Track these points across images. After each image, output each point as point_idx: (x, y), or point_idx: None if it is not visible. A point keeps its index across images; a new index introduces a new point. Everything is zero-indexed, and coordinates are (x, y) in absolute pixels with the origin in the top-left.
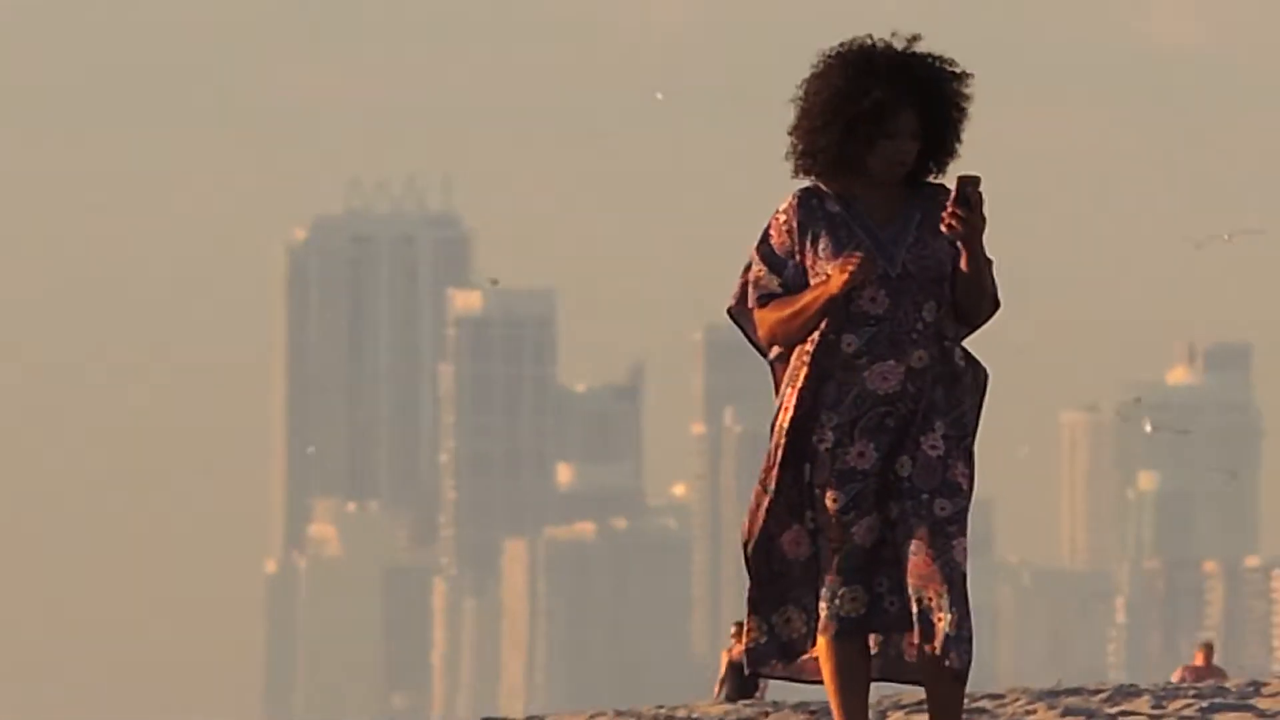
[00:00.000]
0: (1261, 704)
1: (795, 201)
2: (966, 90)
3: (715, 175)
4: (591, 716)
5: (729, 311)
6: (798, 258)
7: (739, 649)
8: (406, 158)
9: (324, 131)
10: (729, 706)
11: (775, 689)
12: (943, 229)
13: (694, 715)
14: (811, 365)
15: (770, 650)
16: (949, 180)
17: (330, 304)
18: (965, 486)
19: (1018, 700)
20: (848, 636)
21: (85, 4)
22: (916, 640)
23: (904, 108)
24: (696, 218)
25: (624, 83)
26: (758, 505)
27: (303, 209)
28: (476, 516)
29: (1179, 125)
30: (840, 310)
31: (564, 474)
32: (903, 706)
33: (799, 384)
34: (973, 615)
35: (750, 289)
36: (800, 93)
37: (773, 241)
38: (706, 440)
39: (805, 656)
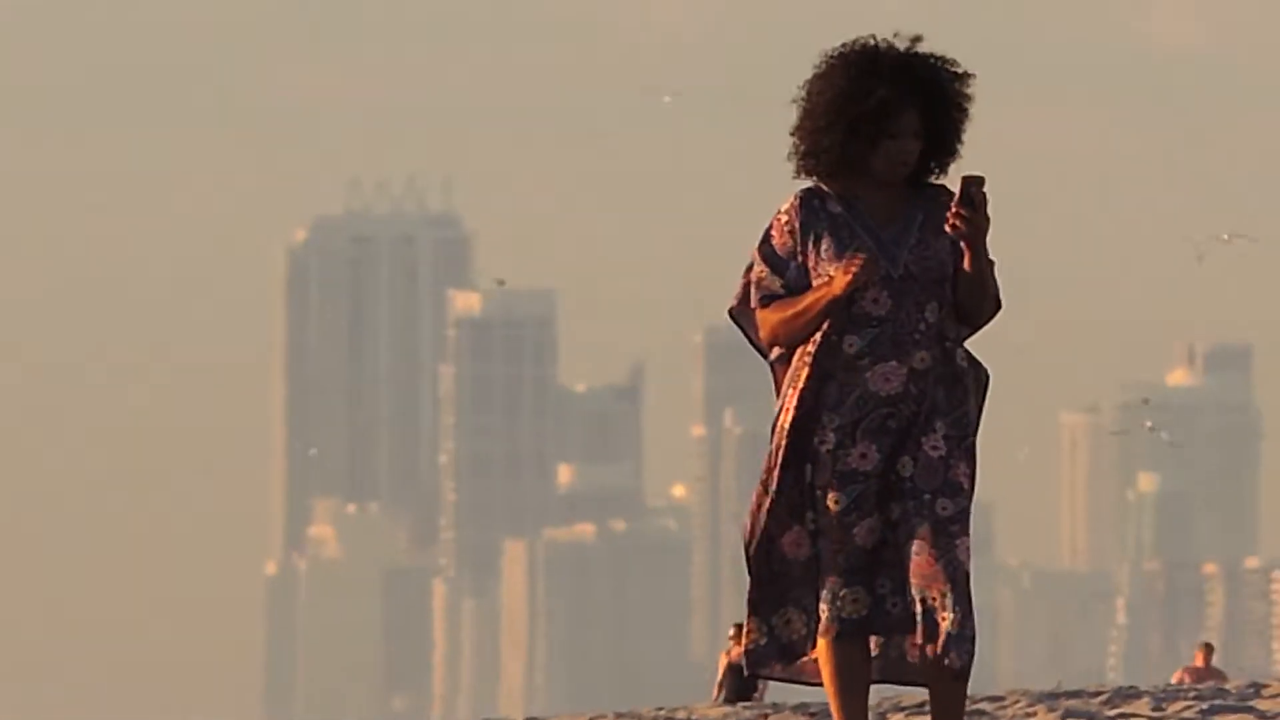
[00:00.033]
0: (1262, 705)
1: (797, 202)
2: (968, 91)
3: (715, 176)
4: (591, 718)
5: (730, 312)
6: (800, 258)
7: (738, 651)
8: (406, 158)
9: (324, 131)
10: (728, 709)
11: (774, 691)
12: (947, 229)
13: (693, 717)
14: (813, 366)
15: (770, 652)
16: (950, 181)
17: (330, 305)
18: (967, 486)
19: (1018, 702)
20: (848, 638)
21: (85, 4)
22: (919, 640)
23: (907, 108)
24: (696, 218)
25: (624, 83)
26: (758, 506)
27: (303, 209)
28: (476, 518)
29: (1179, 126)
30: (842, 311)
31: (564, 475)
32: (903, 709)
33: (800, 385)
34: (975, 615)
35: (752, 289)
36: (802, 93)
37: (774, 242)
38: (706, 442)
39: (805, 658)
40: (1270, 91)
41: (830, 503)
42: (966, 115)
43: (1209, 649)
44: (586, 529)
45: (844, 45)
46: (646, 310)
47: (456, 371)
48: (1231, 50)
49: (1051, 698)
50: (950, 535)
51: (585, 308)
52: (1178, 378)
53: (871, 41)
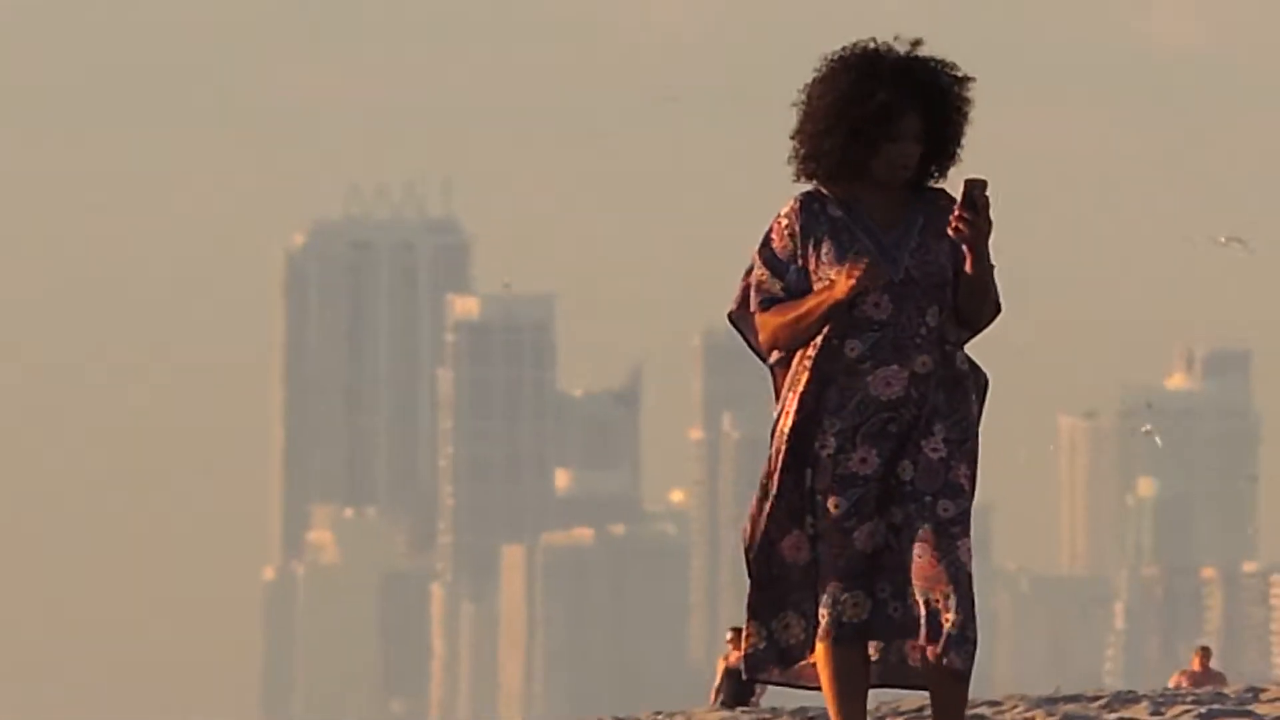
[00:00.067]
0: (1260, 709)
1: (797, 205)
2: (968, 94)
3: (714, 178)
4: None
5: (730, 316)
6: (800, 262)
7: (735, 655)
8: (406, 159)
9: (324, 132)
10: (726, 713)
11: (772, 695)
12: (949, 233)
13: None
14: (813, 370)
15: (768, 656)
16: (950, 184)
17: (329, 309)
18: (967, 488)
19: (1016, 707)
20: (848, 642)
21: (85, 4)
22: (921, 641)
23: (908, 111)
24: (696, 222)
25: (624, 83)
26: (758, 510)
27: (302, 212)
28: (475, 522)
29: (1179, 127)
30: (844, 315)
31: (562, 479)
32: (901, 714)
33: (800, 389)
34: (978, 618)
35: (752, 293)
36: (803, 96)
37: (774, 245)
38: (705, 446)
39: (803, 662)
40: (1270, 92)
41: (830, 507)
42: (967, 119)
43: (1206, 653)
44: (585, 533)
45: (844, 48)
46: (645, 314)
47: (455, 376)
48: (1232, 51)
49: (1050, 702)
50: (952, 537)
51: (584, 312)
52: (1176, 382)
53: (872, 45)
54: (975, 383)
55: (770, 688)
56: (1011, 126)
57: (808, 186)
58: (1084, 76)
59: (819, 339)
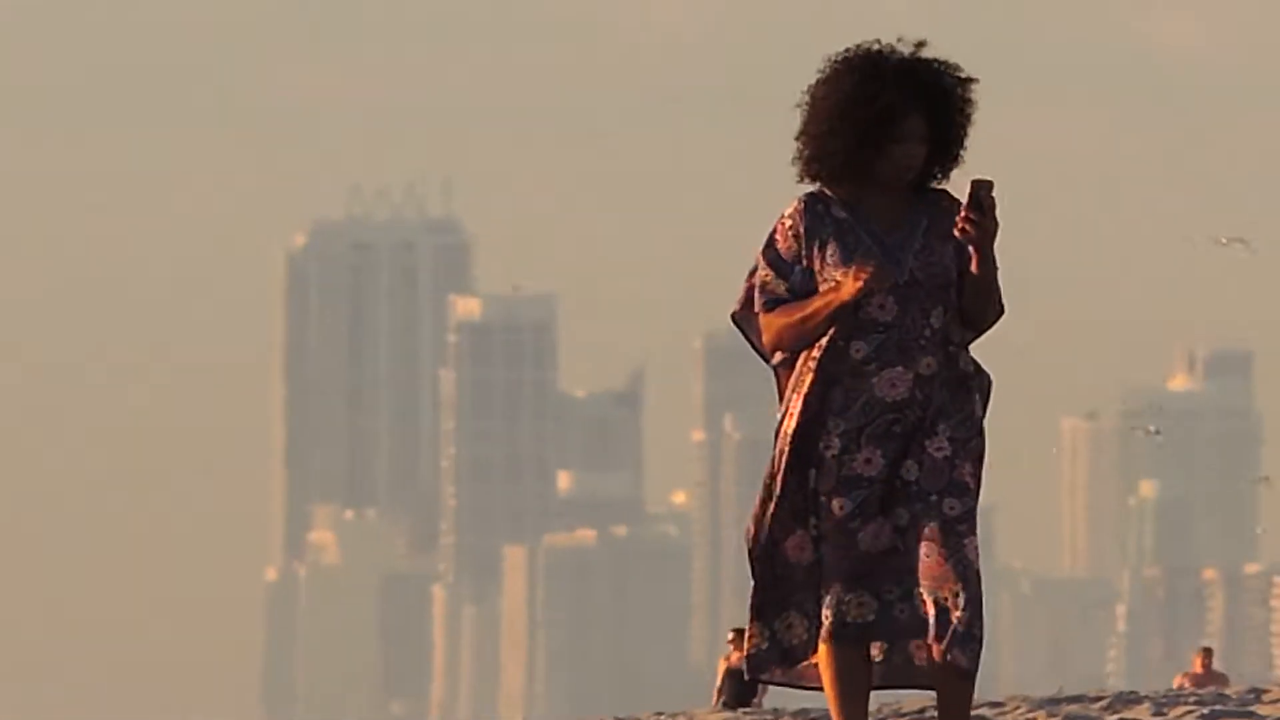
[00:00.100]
0: (1262, 710)
1: (801, 206)
2: (971, 96)
3: (715, 178)
4: None
5: (733, 316)
6: (804, 263)
7: (737, 656)
8: (406, 159)
9: (324, 132)
10: (727, 714)
11: (774, 696)
12: (956, 233)
13: None
14: (818, 371)
15: (771, 656)
16: (952, 185)
17: (330, 310)
18: (973, 486)
19: (1018, 708)
20: (850, 643)
21: (85, 4)
22: (928, 639)
23: (912, 112)
24: (696, 222)
25: (624, 83)
26: (762, 510)
27: (302, 213)
28: (476, 523)
29: (1180, 127)
30: (849, 317)
31: (564, 481)
32: (903, 715)
33: (805, 390)
34: (985, 616)
35: (756, 294)
36: (806, 98)
37: (779, 246)
38: (706, 447)
39: (805, 663)
40: (1271, 92)
41: (835, 508)
42: (970, 120)
43: (1208, 654)
44: (587, 534)
45: (848, 50)
46: (646, 315)
47: (457, 376)
48: (1233, 52)
49: (1052, 703)
50: (959, 535)
51: (585, 312)
52: (1178, 383)
53: (876, 46)
54: (979, 382)
55: (772, 689)
56: (1012, 127)
57: (811, 187)
58: (1084, 77)
59: (824, 340)
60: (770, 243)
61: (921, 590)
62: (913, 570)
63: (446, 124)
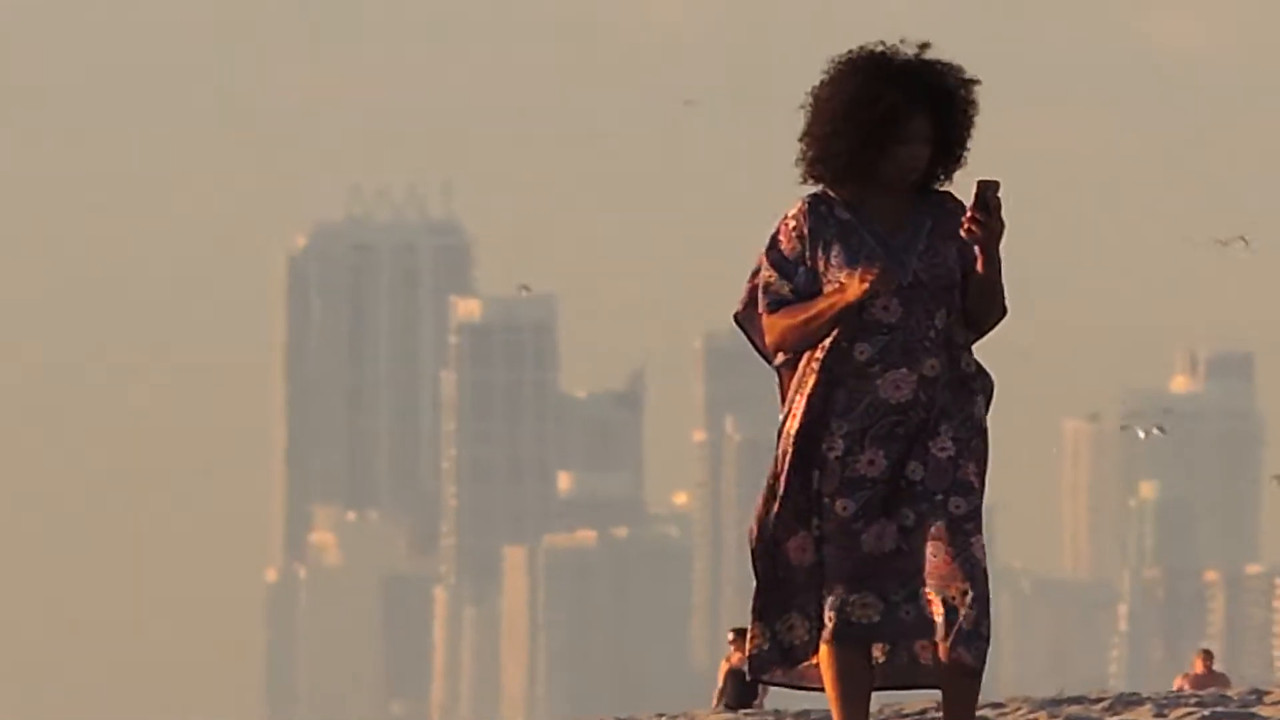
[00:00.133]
0: (1264, 712)
1: (805, 207)
2: (975, 97)
3: (715, 178)
4: None
5: (735, 317)
6: (808, 264)
7: (738, 657)
8: (407, 159)
9: (324, 132)
10: (729, 715)
11: (775, 697)
12: (962, 233)
13: None
14: (822, 372)
15: (772, 657)
16: (954, 187)
17: (331, 311)
18: (977, 485)
19: (1019, 709)
20: (852, 644)
21: (85, 4)
22: (936, 638)
23: (917, 113)
24: (697, 223)
25: (624, 83)
26: (765, 511)
27: (303, 214)
28: (477, 524)
29: (1182, 128)
30: (853, 318)
31: (565, 481)
32: (905, 716)
33: (809, 391)
34: (992, 615)
35: (760, 294)
36: (810, 99)
37: (782, 247)
38: (707, 448)
39: (806, 664)
40: (1272, 93)
41: (838, 509)
42: (973, 122)
43: (1208, 655)
44: (588, 535)
45: (852, 51)
46: (647, 316)
47: (457, 378)
48: (1235, 53)
49: (1053, 704)
50: (965, 533)
51: (586, 313)
52: (1180, 384)
53: (880, 47)
54: (981, 384)
55: (774, 690)
56: (1012, 128)
57: (814, 189)
58: (1085, 78)
59: (828, 341)
60: (774, 243)
61: (929, 589)
62: (918, 572)
63: (446, 124)
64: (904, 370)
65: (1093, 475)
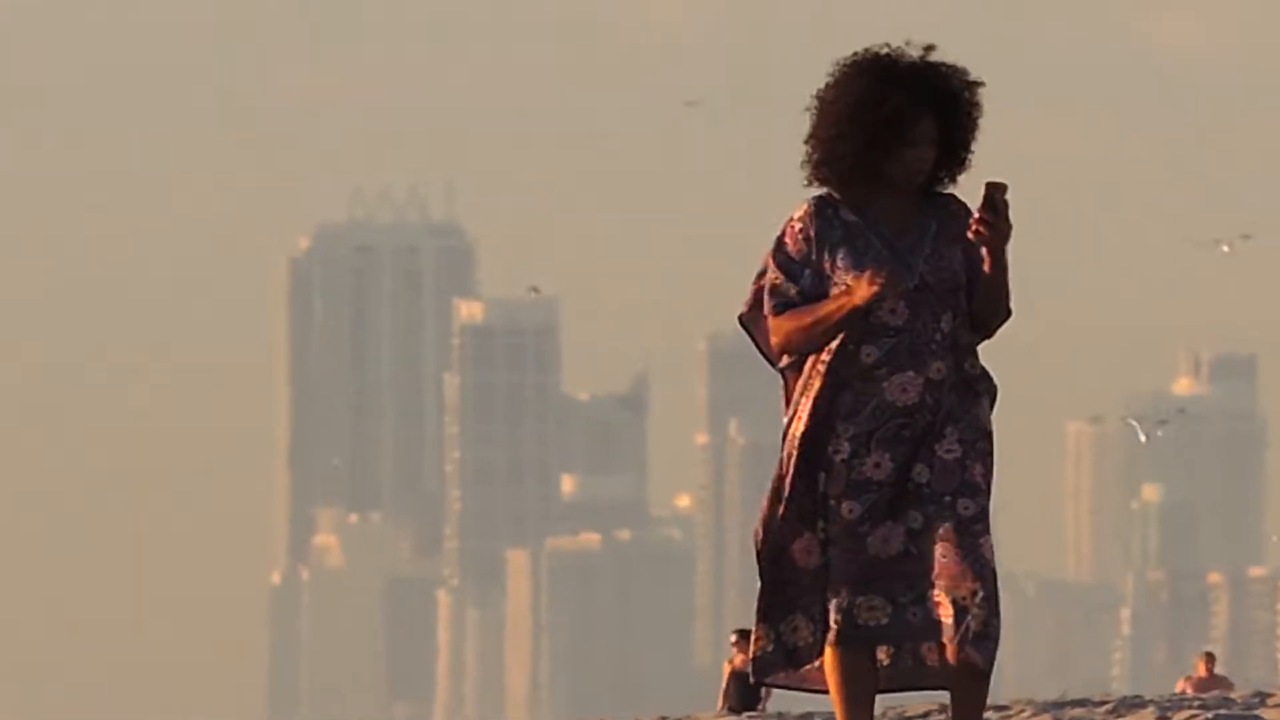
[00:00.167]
0: (1267, 715)
1: (811, 209)
2: (979, 100)
3: (716, 178)
4: None
5: (740, 319)
6: (814, 266)
7: (741, 658)
8: (407, 159)
9: (324, 132)
10: (732, 718)
11: (779, 700)
12: (969, 235)
13: None
14: (828, 375)
15: (777, 659)
16: (958, 189)
17: (333, 313)
18: (984, 486)
19: (1022, 711)
20: (856, 646)
21: (85, 4)
22: (944, 639)
23: (923, 116)
24: (700, 224)
25: (624, 83)
26: (770, 513)
27: (305, 216)
28: (480, 527)
29: (1185, 130)
30: (860, 321)
31: (568, 484)
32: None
33: (815, 393)
34: (1001, 615)
35: (766, 296)
36: (815, 102)
37: (789, 249)
38: (710, 450)
39: (810, 666)
40: (1272, 93)
41: (844, 512)
42: (977, 124)
43: (1211, 658)
44: (591, 538)
45: (857, 54)
46: (650, 318)
47: (460, 380)
48: (1235, 53)
49: (1056, 707)
50: (974, 534)
51: (588, 315)
52: (1183, 386)
53: (885, 50)
54: (986, 387)
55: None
56: (1012, 129)
57: (818, 191)
58: (1086, 79)
59: (834, 344)
60: (780, 245)
61: (938, 590)
62: (926, 574)
63: (446, 124)
64: (910, 373)
65: (1095, 477)
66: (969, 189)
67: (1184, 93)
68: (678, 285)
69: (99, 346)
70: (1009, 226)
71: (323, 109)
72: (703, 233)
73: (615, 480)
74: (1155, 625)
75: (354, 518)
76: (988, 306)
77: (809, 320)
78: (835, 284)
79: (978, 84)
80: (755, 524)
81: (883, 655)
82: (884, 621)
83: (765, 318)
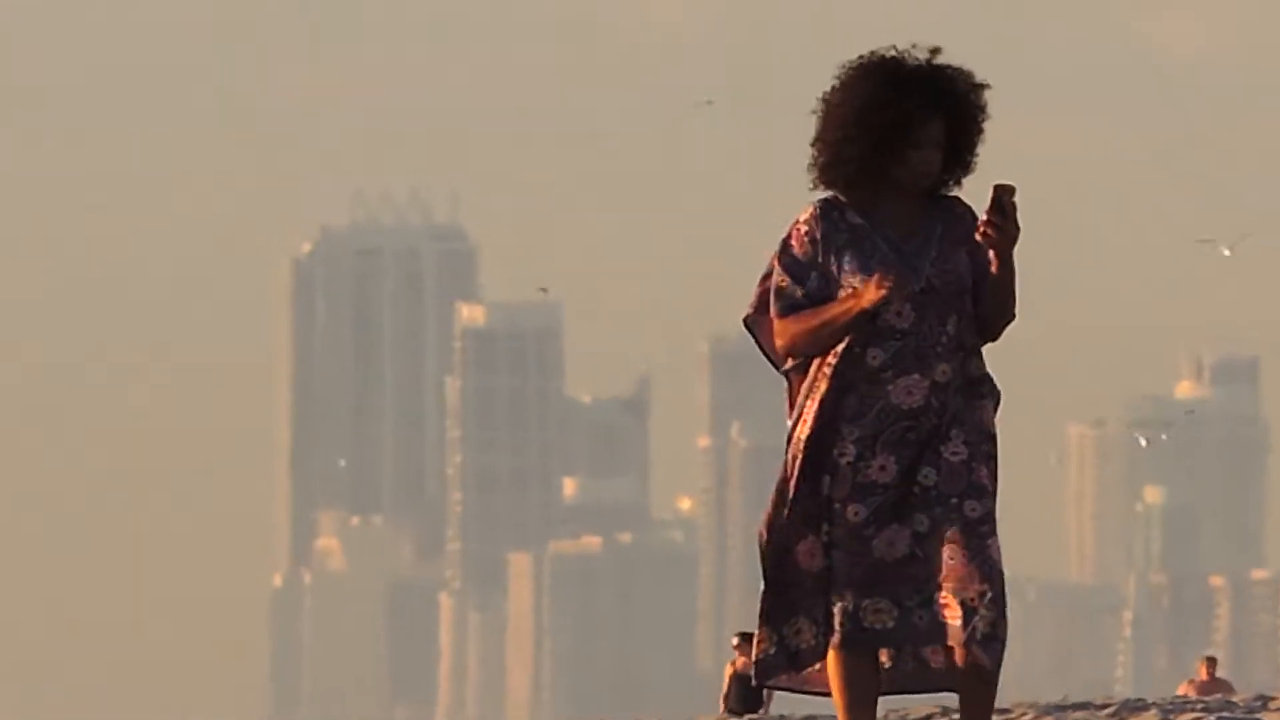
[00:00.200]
0: (1269, 718)
1: (817, 212)
2: (985, 102)
3: (716, 179)
4: None
5: (745, 320)
6: (821, 268)
7: (742, 660)
8: (408, 160)
9: (325, 132)
10: None
11: (781, 702)
12: (977, 237)
13: None
14: (833, 378)
15: (779, 661)
16: (962, 191)
17: (335, 316)
18: (990, 488)
19: (1025, 714)
20: (859, 649)
21: (85, 4)
22: (953, 640)
23: (930, 118)
24: (701, 226)
25: (624, 83)
26: (774, 515)
27: (306, 218)
28: (482, 530)
29: (1187, 131)
30: (866, 324)
31: (569, 487)
32: None
33: (820, 396)
34: (1009, 617)
35: (772, 298)
36: (822, 104)
37: (795, 251)
38: (712, 453)
39: (812, 668)
40: (1274, 93)
41: (849, 515)
42: (983, 127)
43: (1212, 662)
44: (593, 541)
45: (864, 56)
46: (652, 321)
47: (462, 384)
48: (1235, 53)
49: (1058, 710)
50: (981, 536)
51: (590, 318)
52: (1185, 390)
53: (892, 52)
54: (990, 389)
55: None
56: (1013, 130)
57: (823, 194)
58: (1087, 80)
59: (840, 347)
60: (786, 247)
61: (947, 591)
62: (932, 577)
63: (447, 124)
64: (916, 376)
65: (1098, 481)
66: (973, 191)
67: (1184, 93)
68: (679, 288)
69: (99, 346)
70: (1017, 229)
71: (323, 109)
72: (704, 234)
73: (617, 483)
74: (1157, 628)
75: (356, 521)
76: (994, 309)
77: (815, 323)
78: (842, 287)
79: (983, 87)
80: (759, 526)
81: (884, 658)
82: (890, 625)
83: (770, 320)
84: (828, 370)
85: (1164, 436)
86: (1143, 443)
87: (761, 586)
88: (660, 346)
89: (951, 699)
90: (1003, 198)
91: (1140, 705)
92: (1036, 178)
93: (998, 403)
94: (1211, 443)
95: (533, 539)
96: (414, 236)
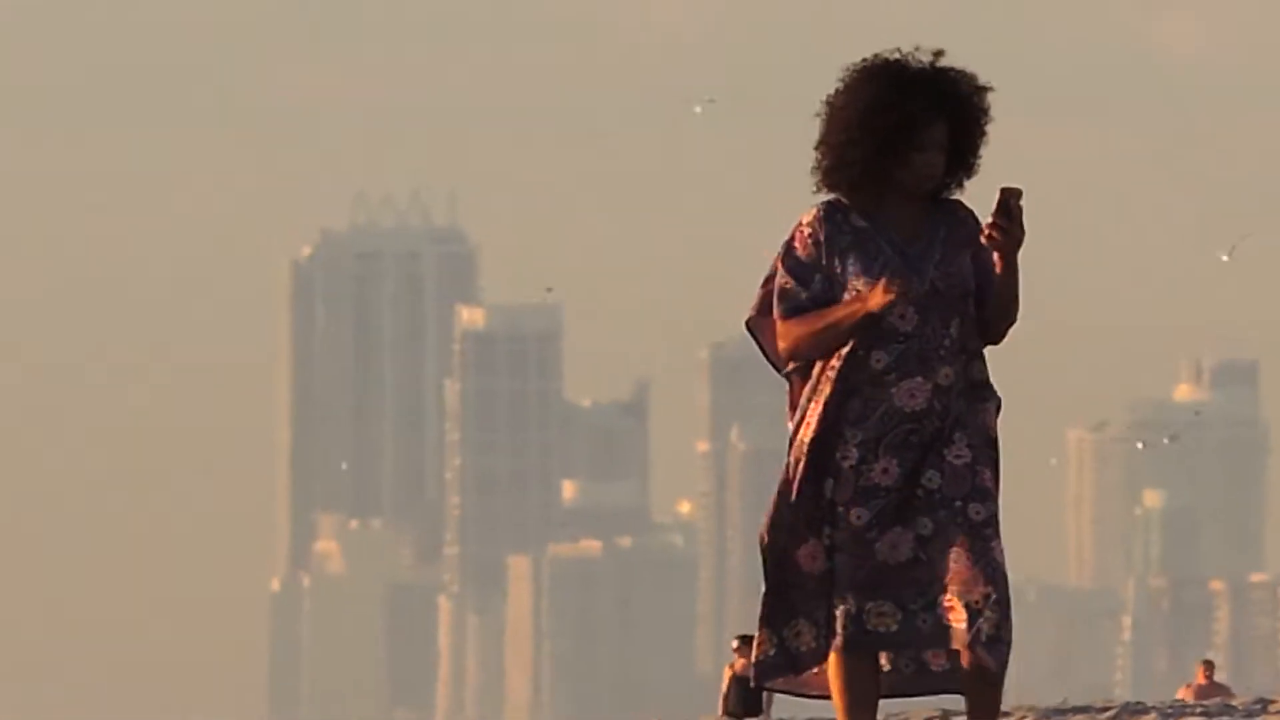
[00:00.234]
0: None
1: (821, 214)
2: (988, 105)
3: (716, 179)
4: None
5: (747, 323)
6: (824, 271)
7: (741, 663)
8: (408, 160)
9: (325, 132)
10: None
11: (782, 705)
12: (983, 239)
13: None
14: (837, 380)
15: (779, 663)
16: (964, 194)
17: (335, 318)
18: (994, 490)
19: (1024, 718)
20: (860, 652)
21: (85, 4)
22: (957, 643)
23: (934, 121)
24: (703, 228)
25: (624, 83)
26: (776, 518)
27: (307, 219)
28: (481, 534)
29: (1188, 134)
30: (870, 326)
31: (569, 491)
32: None
33: (823, 399)
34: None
35: (775, 300)
36: (826, 107)
37: (799, 254)
38: (712, 457)
39: (811, 671)
40: (1274, 93)
41: (852, 519)
42: (986, 130)
43: (1210, 666)
44: (592, 545)
45: (867, 59)
46: (652, 324)
47: (461, 387)
48: (1235, 53)
49: (1058, 713)
50: (985, 539)
51: (590, 322)
52: (1184, 393)
53: (895, 55)
54: (992, 393)
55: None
56: (1013, 131)
57: (826, 196)
58: (1087, 81)
59: (844, 349)
60: (789, 250)
61: (951, 594)
62: (936, 580)
63: (447, 125)
64: (919, 379)
65: (1097, 484)
66: (976, 194)
67: (1184, 93)
68: (680, 291)
69: (99, 346)
70: (1022, 231)
71: (323, 109)
72: (704, 236)
73: (617, 487)
74: (1157, 632)
75: (355, 524)
76: (998, 311)
77: (820, 325)
78: (846, 289)
79: (986, 89)
80: (760, 528)
81: (884, 661)
82: (893, 628)
83: (772, 322)
84: (832, 373)
85: (1165, 440)
86: (1139, 447)
87: (762, 589)
88: (660, 350)
89: (952, 701)
90: (1009, 200)
91: (1140, 709)
92: (1034, 178)
93: (999, 407)
94: (1211, 446)
95: (532, 542)
96: (414, 239)
